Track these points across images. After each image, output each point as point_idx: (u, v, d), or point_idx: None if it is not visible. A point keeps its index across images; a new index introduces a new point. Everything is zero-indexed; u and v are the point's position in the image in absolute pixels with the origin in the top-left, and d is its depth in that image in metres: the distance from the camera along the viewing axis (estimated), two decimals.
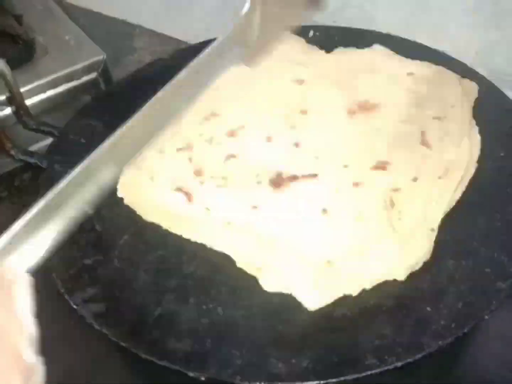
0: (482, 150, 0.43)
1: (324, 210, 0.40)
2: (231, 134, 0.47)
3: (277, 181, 0.43)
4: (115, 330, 0.35)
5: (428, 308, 0.34)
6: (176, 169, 0.45)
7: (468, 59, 0.54)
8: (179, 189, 0.42)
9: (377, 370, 0.31)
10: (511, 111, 0.47)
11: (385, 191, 0.40)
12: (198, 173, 0.44)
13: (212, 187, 0.43)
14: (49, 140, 0.58)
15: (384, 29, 0.60)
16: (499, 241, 0.37)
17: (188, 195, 0.42)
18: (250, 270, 0.37)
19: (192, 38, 0.83)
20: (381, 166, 0.43)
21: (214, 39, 0.59)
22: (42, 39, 0.67)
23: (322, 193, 0.41)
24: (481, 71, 0.52)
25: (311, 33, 0.59)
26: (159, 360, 0.33)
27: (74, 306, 0.36)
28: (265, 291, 0.36)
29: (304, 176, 0.43)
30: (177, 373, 0.32)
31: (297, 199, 0.41)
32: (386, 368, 0.31)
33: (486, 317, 0.32)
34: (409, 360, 0.31)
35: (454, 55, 0.55)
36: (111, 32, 0.88)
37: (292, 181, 0.42)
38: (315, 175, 0.43)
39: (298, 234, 0.39)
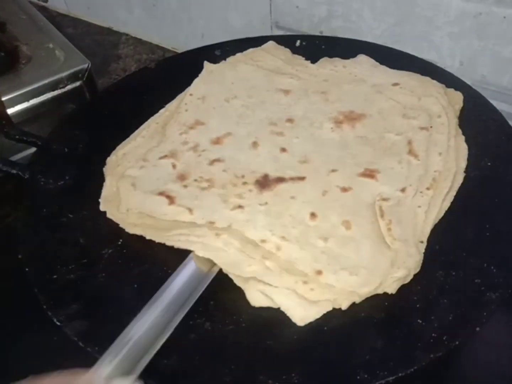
0: (468, 159, 0.44)
1: (313, 214, 0.39)
2: (216, 141, 0.47)
3: (264, 183, 0.42)
4: (99, 347, 0.34)
5: (419, 321, 0.33)
6: (159, 175, 0.44)
7: (452, 69, 0.54)
8: (161, 193, 0.42)
9: None
10: (496, 120, 0.47)
11: (374, 199, 0.40)
12: (181, 177, 0.43)
13: (196, 190, 0.42)
14: (32, 150, 0.57)
15: (369, 39, 0.61)
16: (488, 251, 0.37)
17: (170, 198, 0.41)
18: (237, 280, 0.36)
19: (178, 46, 0.83)
20: (369, 173, 0.43)
21: (201, 48, 0.60)
22: (26, 47, 0.67)
23: (309, 196, 0.41)
24: (465, 80, 0.53)
25: (298, 43, 0.59)
26: (146, 379, 0.32)
27: (58, 323, 0.35)
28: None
29: (291, 178, 0.42)
30: None
31: (284, 201, 0.41)
32: (378, 383, 0.30)
33: (478, 328, 0.32)
34: (401, 374, 0.31)
35: (439, 65, 0.56)
36: (97, 40, 0.88)
37: (279, 183, 0.42)
38: (302, 178, 0.42)
39: (285, 238, 0.38)
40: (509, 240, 0.38)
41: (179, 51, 0.81)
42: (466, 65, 0.61)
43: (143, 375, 0.32)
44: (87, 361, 0.36)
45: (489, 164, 0.43)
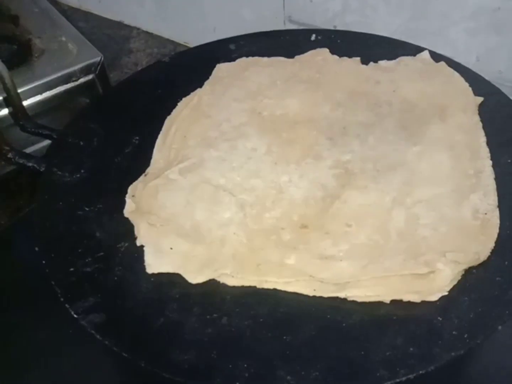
0: None
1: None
2: None
3: None
4: (116, 340, 0.34)
5: (440, 318, 0.33)
6: None
7: (469, 65, 0.54)
8: None
9: (389, 383, 0.30)
10: None
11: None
12: None
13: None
14: (45, 142, 0.57)
15: (384, 34, 0.60)
16: (510, 249, 0.36)
17: None
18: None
19: (190, 40, 0.83)
20: None
21: (215, 41, 0.60)
22: (39, 40, 0.66)
23: None
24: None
25: (313, 37, 0.58)
26: (163, 372, 0.32)
27: (75, 316, 0.35)
28: (272, 299, 0.35)
29: None
30: None
31: None
32: (398, 380, 0.30)
33: (499, 327, 0.32)
34: (421, 371, 0.30)
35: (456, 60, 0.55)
36: (108, 34, 0.88)
37: None
38: None
39: None
40: None
41: (191, 45, 0.81)
42: (482, 61, 0.60)
43: (160, 370, 0.32)
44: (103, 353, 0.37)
45: (509, 161, 0.43)
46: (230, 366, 0.32)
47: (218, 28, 0.79)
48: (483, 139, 0.45)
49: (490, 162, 0.42)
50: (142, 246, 0.39)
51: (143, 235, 0.40)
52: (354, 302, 0.35)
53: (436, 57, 0.54)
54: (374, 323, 0.33)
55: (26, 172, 0.50)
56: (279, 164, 0.45)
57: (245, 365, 0.32)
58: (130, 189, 0.44)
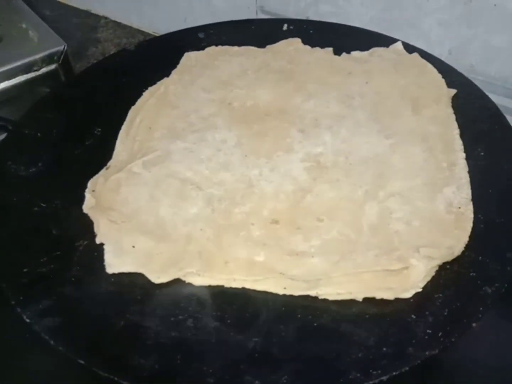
0: None
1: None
2: None
3: None
4: (72, 346, 0.31)
5: (413, 316, 0.32)
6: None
7: (441, 58, 0.53)
8: None
9: None
10: (489, 109, 0.46)
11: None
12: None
13: None
14: (2, 135, 0.54)
15: (357, 25, 0.59)
16: (483, 244, 0.35)
17: None
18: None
19: (160, 30, 0.80)
20: None
21: (184, 30, 0.57)
22: None
23: None
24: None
25: (285, 27, 0.57)
26: (121, 379, 0.30)
27: (27, 320, 0.33)
28: (240, 299, 0.34)
29: None
30: None
31: None
32: (371, 382, 0.29)
33: (474, 324, 0.31)
34: (394, 373, 0.29)
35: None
36: (75, 23, 0.84)
37: None
38: None
39: None
40: (504, 231, 0.36)
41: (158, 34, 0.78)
42: (454, 53, 0.60)
43: (118, 377, 0.30)
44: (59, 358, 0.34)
45: (482, 154, 0.42)
46: (195, 371, 0.30)
47: (189, 18, 0.76)
48: (456, 131, 0.44)
49: (464, 155, 0.42)
50: (102, 244, 0.37)
51: (103, 233, 0.38)
52: (325, 300, 0.33)
53: (410, 48, 0.53)
54: (346, 322, 0.32)
55: None
56: (249, 157, 0.43)
57: (211, 370, 0.30)
58: (90, 183, 0.41)
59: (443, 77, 0.49)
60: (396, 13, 0.61)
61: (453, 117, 0.45)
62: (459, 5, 0.57)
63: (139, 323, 0.33)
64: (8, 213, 0.40)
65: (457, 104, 0.47)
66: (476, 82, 0.50)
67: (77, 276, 0.35)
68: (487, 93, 0.48)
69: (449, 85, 0.48)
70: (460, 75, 0.50)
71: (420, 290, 0.33)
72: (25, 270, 0.36)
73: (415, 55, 0.52)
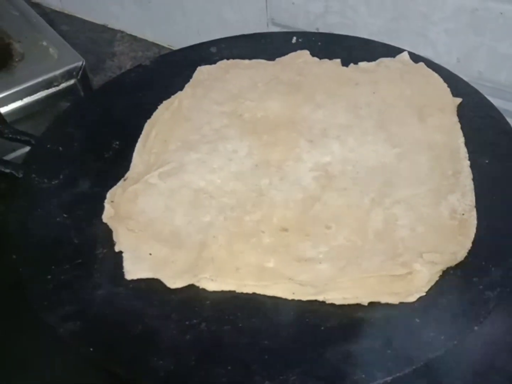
0: None
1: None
2: None
3: None
4: (93, 348, 0.33)
5: (417, 320, 0.33)
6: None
7: (449, 66, 0.54)
8: None
9: None
10: (494, 117, 0.47)
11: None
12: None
13: None
14: (25, 149, 0.57)
15: (365, 35, 0.60)
16: (486, 250, 0.36)
17: None
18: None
19: (174, 43, 0.82)
20: None
21: (196, 45, 0.59)
22: (19, 45, 0.66)
23: None
24: (462, 77, 0.52)
25: (294, 40, 0.59)
26: (140, 380, 0.32)
27: (51, 325, 0.35)
28: (251, 304, 0.35)
29: None
30: None
31: None
32: (375, 383, 0.30)
33: (476, 327, 0.32)
34: (398, 374, 0.30)
35: (436, 61, 0.55)
36: (92, 37, 0.87)
37: None
38: None
39: None
40: (507, 237, 0.37)
41: (175, 48, 0.80)
42: (463, 61, 0.60)
43: (137, 377, 0.32)
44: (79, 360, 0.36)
45: (486, 162, 0.43)
46: (208, 372, 0.32)
47: (201, 30, 0.79)
48: (461, 139, 0.45)
49: (468, 163, 0.43)
50: (120, 252, 0.39)
51: (122, 241, 0.40)
52: (332, 305, 0.35)
53: (416, 58, 0.54)
54: (352, 326, 0.33)
55: (3, 179, 0.49)
56: (259, 166, 0.45)
57: (223, 371, 0.32)
58: (109, 194, 0.43)
59: (448, 86, 0.50)
60: (403, 23, 0.62)
61: (459, 125, 0.46)
62: (466, 14, 0.58)
63: (155, 327, 0.34)
64: (33, 224, 0.42)
65: (462, 112, 0.47)
66: (485, 89, 0.51)
67: (97, 283, 0.37)
68: (496, 99, 0.49)
69: (455, 94, 0.49)
70: (466, 84, 0.51)
71: (424, 294, 0.34)
72: (48, 277, 0.38)
73: (421, 64, 0.53)
